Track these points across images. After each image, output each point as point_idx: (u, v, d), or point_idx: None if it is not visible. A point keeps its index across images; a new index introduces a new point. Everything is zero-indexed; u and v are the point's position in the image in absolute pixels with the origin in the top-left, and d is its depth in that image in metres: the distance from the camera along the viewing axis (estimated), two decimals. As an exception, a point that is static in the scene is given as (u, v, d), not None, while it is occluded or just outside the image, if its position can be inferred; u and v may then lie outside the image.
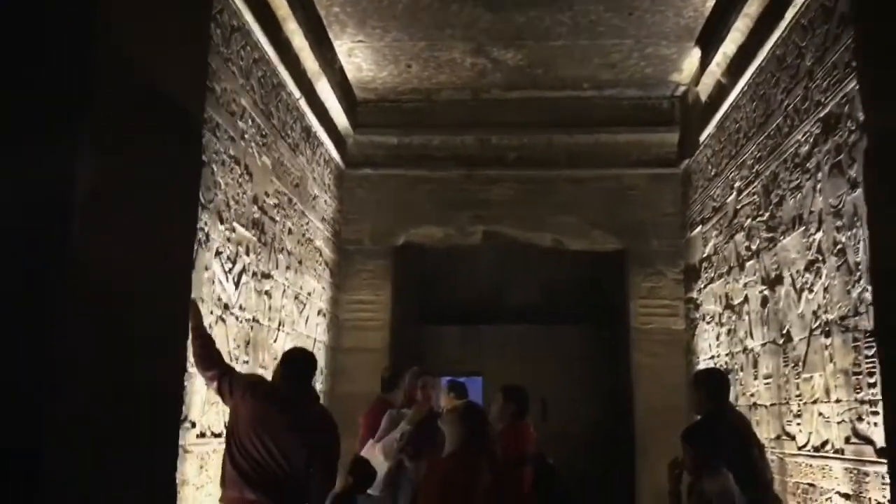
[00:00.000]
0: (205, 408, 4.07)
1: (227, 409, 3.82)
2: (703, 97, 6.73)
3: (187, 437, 3.85)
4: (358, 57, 6.75)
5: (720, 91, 6.26)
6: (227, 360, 4.32)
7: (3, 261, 2.02)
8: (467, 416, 3.93)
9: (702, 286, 6.79)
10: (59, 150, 1.98)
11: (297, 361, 3.96)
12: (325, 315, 6.96)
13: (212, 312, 4.21)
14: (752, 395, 5.37)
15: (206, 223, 4.11)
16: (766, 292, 5.16)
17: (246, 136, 4.84)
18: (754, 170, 5.43)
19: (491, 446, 4.01)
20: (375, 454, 4.68)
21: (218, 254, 4.33)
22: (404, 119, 7.65)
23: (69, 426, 2.04)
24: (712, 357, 6.37)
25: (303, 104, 6.16)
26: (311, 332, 6.47)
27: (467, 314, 9.48)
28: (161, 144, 2.48)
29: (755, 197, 5.41)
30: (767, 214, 5.14)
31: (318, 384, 6.46)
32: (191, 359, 3.71)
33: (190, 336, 3.72)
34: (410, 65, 6.91)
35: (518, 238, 7.66)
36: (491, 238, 7.68)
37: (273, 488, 3.55)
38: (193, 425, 3.95)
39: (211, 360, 3.77)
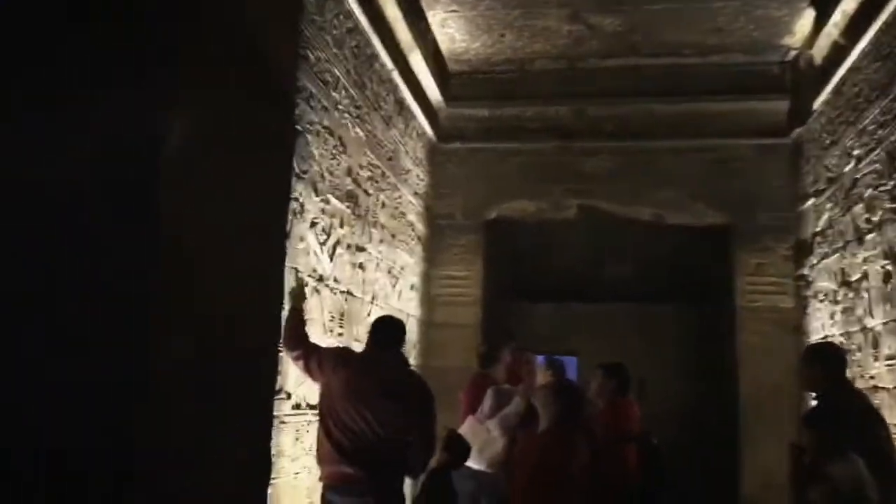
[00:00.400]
0: (300, 379, 4.06)
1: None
2: (818, 61, 6.29)
3: (283, 409, 3.85)
4: (451, 27, 6.62)
5: (837, 53, 5.83)
6: (322, 331, 4.32)
7: (93, 231, 1.98)
8: (562, 393, 3.83)
9: (814, 262, 6.39)
10: (150, 98, 1.93)
11: (387, 326, 3.94)
12: (416, 290, 6.92)
13: (307, 284, 4.19)
14: (871, 377, 5.01)
15: (300, 194, 4.08)
16: (889, 267, 4.78)
17: (339, 106, 4.79)
18: (876, 136, 5.03)
19: (587, 423, 3.89)
20: (479, 429, 4.60)
21: (313, 225, 4.30)
22: (497, 90, 7.46)
23: (164, 401, 2.02)
24: (825, 337, 6.00)
25: (396, 76, 6.08)
26: (404, 307, 6.43)
27: (561, 291, 9.26)
28: (253, 105, 2.43)
29: (877, 165, 5.02)
30: (892, 184, 4.75)
31: (411, 359, 6.43)
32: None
33: (288, 314, 3.73)
34: (504, 34, 6.72)
35: (615, 212, 7.38)
36: (586, 212, 7.43)
37: (370, 461, 3.52)
38: (289, 396, 3.94)
39: (299, 340, 3.76)
